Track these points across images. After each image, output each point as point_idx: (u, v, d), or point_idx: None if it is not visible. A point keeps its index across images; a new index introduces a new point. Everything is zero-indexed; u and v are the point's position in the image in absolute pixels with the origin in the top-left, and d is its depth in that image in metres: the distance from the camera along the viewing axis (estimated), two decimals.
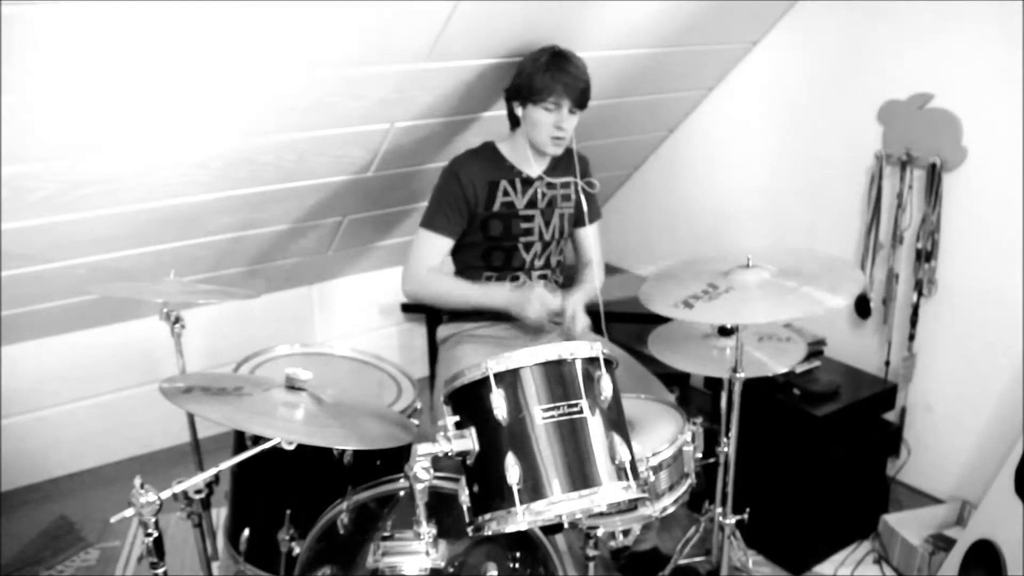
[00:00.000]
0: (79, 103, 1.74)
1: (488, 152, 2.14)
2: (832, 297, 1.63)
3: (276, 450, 1.37)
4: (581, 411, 1.24)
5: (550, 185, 2.15)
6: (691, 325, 2.03)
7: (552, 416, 1.23)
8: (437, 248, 2.10)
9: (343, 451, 1.68)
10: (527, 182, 2.13)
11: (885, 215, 2.46)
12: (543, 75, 1.96)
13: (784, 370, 1.92)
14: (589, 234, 2.28)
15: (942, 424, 2.45)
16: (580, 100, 2.00)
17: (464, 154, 2.14)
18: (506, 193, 2.10)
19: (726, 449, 1.93)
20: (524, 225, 2.13)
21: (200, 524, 1.70)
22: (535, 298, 1.99)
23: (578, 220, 2.23)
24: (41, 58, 1.57)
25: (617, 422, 1.28)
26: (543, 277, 2.21)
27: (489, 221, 2.11)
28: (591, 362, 1.28)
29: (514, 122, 2.10)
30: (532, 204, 2.13)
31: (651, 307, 1.70)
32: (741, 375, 1.82)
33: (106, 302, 2.63)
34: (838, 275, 1.76)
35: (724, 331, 1.94)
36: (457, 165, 2.10)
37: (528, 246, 2.16)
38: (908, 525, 2.32)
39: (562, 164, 2.16)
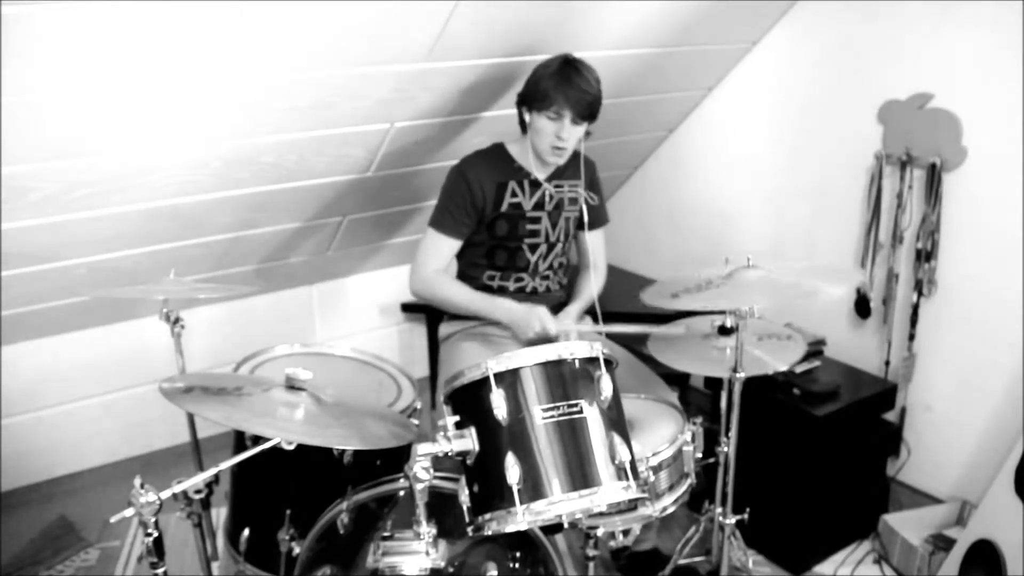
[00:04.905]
0: (79, 103, 1.74)
1: (497, 153, 2.14)
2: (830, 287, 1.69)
3: (276, 450, 1.36)
4: (581, 411, 1.24)
5: (558, 187, 2.15)
6: (691, 325, 2.03)
7: (552, 416, 1.23)
8: (444, 249, 2.10)
9: (343, 451, 1.68)
10: (535, 184, 2.12)
11: (885, 215, 2.46)
12: (549, 84, 1.95)
13: (784, 368, 1.91)
14: (592, 239, 2.28)
15: (942, 424, 2.45)
16: (584, 113, 1.97)
17: (473, 154, 2.13)
18: (514, 194, 2.10)
19: (726, 449, 1.93)
20: (531, 227, 2.13)
21: (200, 524, 1.70)
22: (535, 320, 1.98)
23: (582, 224, 2.23)
24: (41, 58, 1.57)
25: (617, 422, 1.29)
26: (546, 278, 2.21)
27: (496, 221, 2.11)
28: (591, 362, 1.29)
29: (524, 126, 2.09)
30: (539, 206, 2.13)
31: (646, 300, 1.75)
32: (741, 375, 1.81)
33: (106, 302, 2.63)
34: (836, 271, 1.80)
35: (724, 331, 1.94)
36: (466, 165, 2.10)
37: (534, 247, 2.16)
38: (908, 525, 2.32)
39: (569, 168, 2.16)
